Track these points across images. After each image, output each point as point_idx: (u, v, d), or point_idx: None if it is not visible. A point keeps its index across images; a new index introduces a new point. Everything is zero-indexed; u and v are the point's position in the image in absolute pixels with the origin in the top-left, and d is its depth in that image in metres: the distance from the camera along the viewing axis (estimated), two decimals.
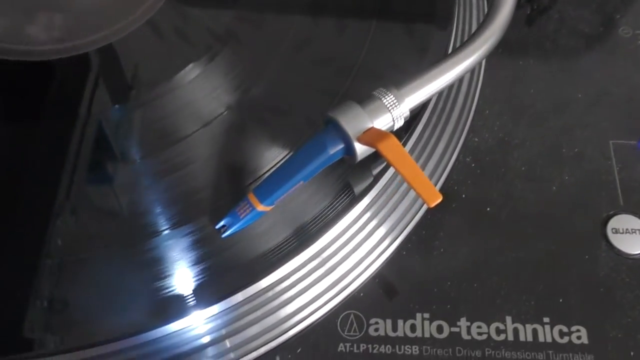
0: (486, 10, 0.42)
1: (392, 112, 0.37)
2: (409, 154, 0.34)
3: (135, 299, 0.37)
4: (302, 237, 0.38)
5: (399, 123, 0.38)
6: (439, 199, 0.33)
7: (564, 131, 0.46)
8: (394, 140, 0.34)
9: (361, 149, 0.37)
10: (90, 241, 0.39)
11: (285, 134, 0.41)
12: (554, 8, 0.52)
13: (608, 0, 0.52)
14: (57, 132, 0.44)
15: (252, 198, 0.37)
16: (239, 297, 0.38)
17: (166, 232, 0.39)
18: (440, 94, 0.41)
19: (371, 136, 0.36)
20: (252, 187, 0.38)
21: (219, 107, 0.43)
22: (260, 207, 0.37)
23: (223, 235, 0.37)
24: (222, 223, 0.37)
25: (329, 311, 0.40)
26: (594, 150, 0.45)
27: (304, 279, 0.39)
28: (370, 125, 0.36)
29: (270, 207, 0.37)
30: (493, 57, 0.43)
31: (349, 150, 0.37)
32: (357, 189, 0.40)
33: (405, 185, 0.42)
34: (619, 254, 0.41)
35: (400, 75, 0.39)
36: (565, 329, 0.39)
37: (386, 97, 0.37)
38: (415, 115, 0.41)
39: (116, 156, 0.43)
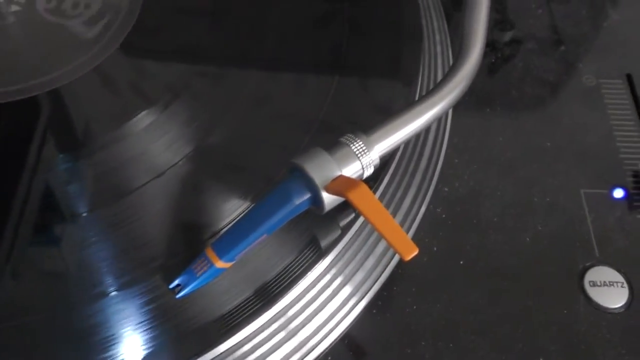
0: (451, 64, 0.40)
1: (362, 159, 0.35)
2: (381, 204, 0.32)
3: None
4: (264, 297, 0.35)
5: (369, 171, 0.36)
6: (415, 252, 0.31)
7: (535, 180, 0.45)
8: (364, 188, 0.32)
9: (329, 199, 0.34)
10: (29, 305, 0.35)
11: (244, 186, 0.38)
12: (518, 57, 0.51)
13: (570, 49, 0.51)
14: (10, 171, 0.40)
15: (210, 254, 0.34)
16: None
17: (113, 293, 0.35)
18: (407, 142, 0.39)
19: (340, 185, 0.33)
20: (210, 242, 0.35)
21: (174, 157, 0.40)
22: (220, 264, 0.33)
23: (177, 296, 0.34)
24: (176, 282, 0.34)
25: None
26: (565, 199, 0.44)
27: (265, 342, 0.36)
28: (338, 174, 0.34)
29: (230, 264, 0.34)
30: (460, 105, 0.41)
31: (316, 200, 0.34)
32: (323, 243, 0.37)
33: (373, 237, 0.39)
34: (598, 308, 0.39)
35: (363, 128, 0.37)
36: None
37: (355, 143, 0.35)
38: (383, 164, 0.39)
39: (61, 209, 0.39)
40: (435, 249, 0.41)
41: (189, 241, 0.37)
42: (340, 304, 0.38)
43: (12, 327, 0.35)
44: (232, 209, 0.37)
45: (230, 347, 0.35)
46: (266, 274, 0.36)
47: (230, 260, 0.34)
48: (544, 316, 0.39)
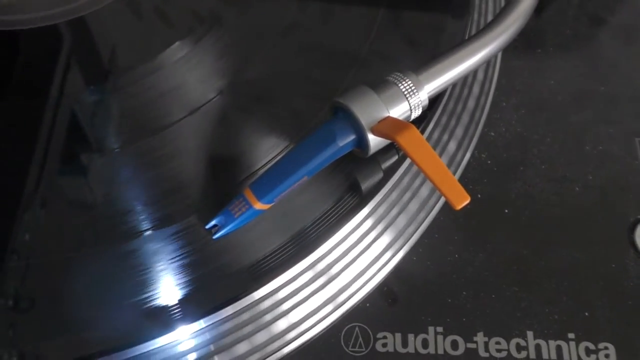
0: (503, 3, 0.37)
1: (410, 100, 0.33)
2: (432, 148, 0.30)
3: (111, 310, 0.32)
4: (301, 243, 0.34)
5: (416, 113, 0.33)
6: (467, 200, 0.29)
7: (587, 127, 0.42)
8: (415, 131, 0.30)
9: (375, 141, 0.32)
10: (59, 241, 0.34)
11: (285, 124, 0.37)
12: None
13: None
14: (23, 116, 0.39)
15: (249, 195, 0.32)
16: (229, 310, 0.33)
17: (147, 233, 0.34)
18: (454, 83, 0.36)
19: (388, 126, 0.31)
20: (249, 183, 0.33)
21: (210, 92, 0.38)
22: (258, 205, 0.32)
23: (215, 237, 0.32)
24: (213, 222, 0.33)
25: (331, 324, 0.35)
26: (619, 148, 0.41)
27: (302, 289, 0.34)
28: (386, 115, 0.32)
29: (269, 206, 0.32)
30: (509, 45, 0.39)
31: (361, 142, 0.32)
32: (365, 188, 0.35)
33: (416, 183, 0.37)
34: None
35: (413, 62, 0.35)
36: (592, 346, 0.35)
37: (403, 82, 0.33)
38: (429, 106, 0.37)
39: (91, 145, 0.38)
40: (479, 195, 0.40)
41: (225, 182, 0.35)
42: (381, 252, 0.36)
43: (46, 263, 0.34)
44: (269, 150, 0.36)
45: (267, 294, 0.33)
46: (304, 220, 0.34)
47: (269, 202, 0.32)
48: (591, 270, 0.37)
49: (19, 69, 0.41)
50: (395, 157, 0.36)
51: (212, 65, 0.40)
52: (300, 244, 0.33)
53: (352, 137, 0.32)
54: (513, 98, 0.43)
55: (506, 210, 0.39)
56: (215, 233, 0.32)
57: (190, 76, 0.39)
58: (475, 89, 0.41)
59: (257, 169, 0.35)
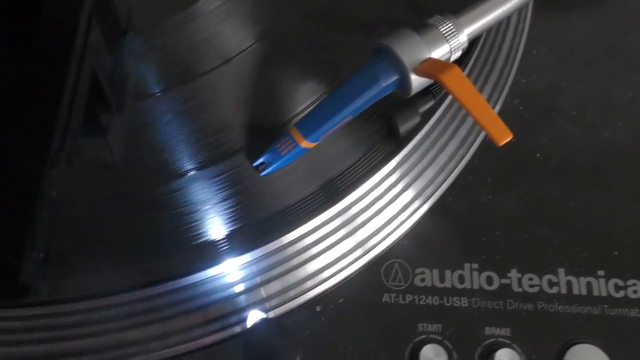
0: None
1: (450, 42, 0.34)
2: (475, 87, 0.31)
3: (163, 244, 0.34)
4: (347, 179, 0.35)
5: (456, 55, 0.35)
6: (509, 137, 0.30)
7: (616, 75, 0.43)
8: (458, 71, 0.31)
9: (417, 82, 0.33)
10: (106, 183, 0.36)
11: (326, 68, 0.38)
12: None
13: None
14: (60, 59, 0.39)
15: (296, 133, 0.33)
16: (276, 244, 0.34)
17: (191, 173, 0.35)
18: (491, 27, 0.37)
19: (430, 67, 0.32)
20: (292, 123, 0.34)
21: (248, 38, 0.39)
22: (304, 144, 0.33)
23: (262, 173, 0.34)
24: (261, 160, 0.34)
25: (371, 260, 0.37)
26: None
27: (346, 225, 0.36)
28: (427, 56, 0.33)
29: (314, 144, 0.34)
30: None
31: (403, 82, 0.33)
32: (405, 129, 0.36)
33: (453, 125, 0.39)
34: None
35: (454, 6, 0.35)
36: (620, 283, 0.37)
37: (443, 25, 0.34)
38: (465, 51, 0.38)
39: (133, 87, 0.39)
40: (512, 139, 0.41)
41: (269, 122, 0.37)
42: (419, 191, 0.38)
43: (93, 202, 0.35)
44: (310, 92, 0.37)
45: (312, 229, 0.35)
46: (350, 157, 0.35)
47: (315, 141, 0.34)
48: (620, 212, 0.39)
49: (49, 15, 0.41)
50: (431, 103, 0.37)
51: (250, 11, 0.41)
52: (346, 181, 0.35)
53: (395, 77, 0.33)
54: (544, 46, 0.44)
55: (537, 155, 0.40)
56: (263, 170, 0.34)
57: (232, 21, 0.40)
58: (508, 36, 0.42)
59: (299, 111, 0.36)
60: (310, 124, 0.33)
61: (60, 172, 0.35)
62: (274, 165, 0.34)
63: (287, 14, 0.40)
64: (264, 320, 0.28)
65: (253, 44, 0.39)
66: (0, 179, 0.35)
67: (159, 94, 0.38)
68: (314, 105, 0.35)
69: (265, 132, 0.36)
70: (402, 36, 0.33)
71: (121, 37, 0.41)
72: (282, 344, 0.28)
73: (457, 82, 0.31)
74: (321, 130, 0.33)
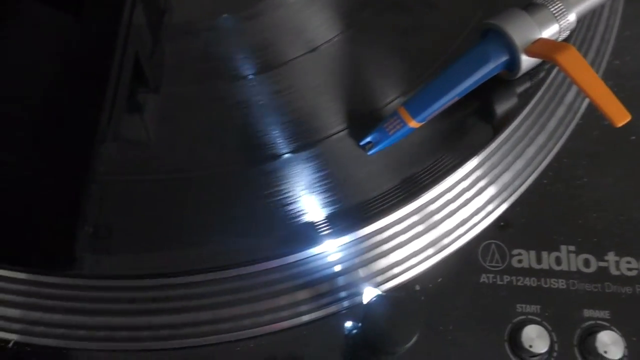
0: None
1: (560, 21, 0.33)
2: (591, 67, 0.31)
3: (266, 223, 0.34)
4: (448, 161, 0.35)
5: (564, 35, 0.34)
6: (628, 118, 0.30)
7: None
8: (574, 51, 0.31)
9: (526, 63, 0.33)
10: (205, 162, 0.36)
11: (424, 50, 0.38)
12: None
13: None
14: (107, 37, 0.39)
15: (404, 113, 0.33)
16: (374, 227, 0.35)
17: (286, 156, 0.35)
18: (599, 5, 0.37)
19: (543, 47, 0.32)
20: (395, 105, 0.34)
21: (353, 20, 0.39)
22: (412, 123, 0.33)
23: (369, 152, 0.34)
24: (368, 139, 0.34)
25: (468, 241, 0.37)
26: None
27: (447, 206, 0.36)
28: (538, 36, 0.33)
29: (421, 124, 0.34)
30: None
31: (512, 63, 0.33)
32: (505, 109, 0.36)
33: (550, 107, 0.38)
34: None
35: None
36: None
37: (553, 4, 0.34)
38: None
39: (226, 69, 0.39)
40: (605, 123, 0.40)
41: (368, 105, 0.37)
42: (516, 173, 0.38)
43: (192, 179, 0.36)
44: (417, 73, 0.37)
45: (412, 211, 0.35)
46: (451, 140, 0.35)
47: (422, 121, 0.34)
48: None
49: None
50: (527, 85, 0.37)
51: None
52: (448, 163, 0.35)
53: (504, 57, 0.33)
54: (638, 28, 0.43)
55: (633, 137, 0.40)
56: (370, 149, 0.34)
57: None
58: (604, 16, 0.41)
59: (396, 96, 0.36)
60: (418, 104, 0.33)
61: (108, 148, 0.36)
62: (382, 144, 0.34)
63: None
64: (381, 297, 0.29)
65: (339, 33, 0.39)
66: (51, 154, 0.36)
67: (252, 76, 0.39)
68: (422, 86, 0.35)
69: (360, 117, 0.36)
70: (513, 16, 0.33)
71: (161, 16, 0.41)
72: (402, 320, 0.28)
73: (574, 63, 0.30)
74: (429, 111, 0.33)
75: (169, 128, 0.38)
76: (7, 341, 0.31)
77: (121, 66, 0.39)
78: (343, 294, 0.35)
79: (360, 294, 0.34)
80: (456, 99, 0.34)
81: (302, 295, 0.34)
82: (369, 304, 0.29)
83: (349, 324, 0.34)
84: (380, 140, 0.34)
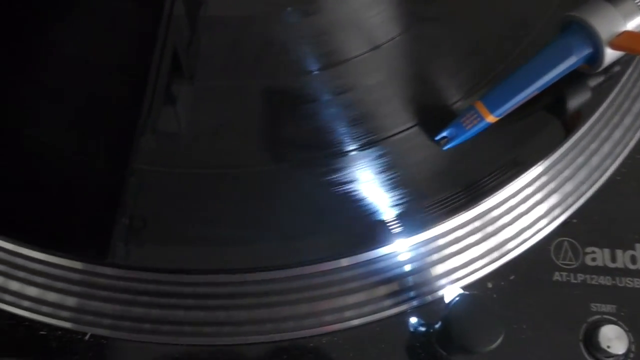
0: None
1: None
2: None
3: (349, 220, 0.34)
4: (518, 162, 0.34)
5: None
6: None
7: None
8: None
9: (610, 56, 0.32)
10: (267, 155, 0.36)
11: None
12: None
13: None
14: (148, 28, 0.39)
15: (481, 107, 0.33)
16: (450, 224, 0.34)
17: (353, 153, 0.35)
18: None
19: (629, 40, 0.31)
20: (479, 97, 0.34)
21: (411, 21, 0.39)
22: (490, 118, 0.33)
23: (444, 148, 0.34)
24: (443, 134, 0.33)
25: (542, 239, 0.36)
26: None
27: (519, 205, 0.35)
28: (623, 29, 0.32)
29: (498, 119, 0.33)
30: None
31: (595, 56, 0.32)
32: (582, 103, 0.36)
33: (627, 102, 0.37)
34: None
35: None
36: None
37: None
38: None
39: (292, 62, 0.39)
40: None
41: (427, 107, 0.36)
42: (589, 172, 0.37)
43: (261, 174, 0.35)
44: (489, 67, 0.36)
45: (484, 211, 0.34)
46: (521, 141, 0.35)
47: (500, 115, 0.33)
48: None
49: None
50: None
51: None
52: (517, 163, 0.34)
53: (588, 51, 0.32)
54: None
55: None
56: (445, 144, 0.33)
57: None
58: None
59: (459, 98, 0.36)
60: (497, 99, 0.33)
61: (147, 140, 0.36)
62: (458, 140, 0.33)
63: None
64: (465, 296, 0.28)
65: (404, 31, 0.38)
66: (92, 146, 0.36)
67: (316, 72, 0.38)
68: (500, 79, 0.34)
69: (427, 115, 0.35)
70: (596, 8, 0.32)
71: (197, 8, 0.41)
72: (488, 320, 0.28)
73: None
74: (507, 105, 0.33)
75: (230, 122, 0.37)
76: (84, 333, 0.31)
77: (161, 58, 0.38)
78: (412, 293, 0.35)
79: (430, 292, 0.34)
80: (535, 93, 0.33)
81: (374, 292, 0.34)
82: (452, 302, 0.28)
83: (418, 321, 0.34)
84: (456, 135, 0.33)
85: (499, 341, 0.28)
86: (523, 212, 0.36)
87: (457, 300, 0.28)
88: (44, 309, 0.33)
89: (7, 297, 0.33)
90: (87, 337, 0.31)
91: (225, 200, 0.35)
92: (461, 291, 0.30)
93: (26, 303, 0.32)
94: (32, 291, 0.32)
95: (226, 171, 0.36)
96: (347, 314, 0.33)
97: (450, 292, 0.31)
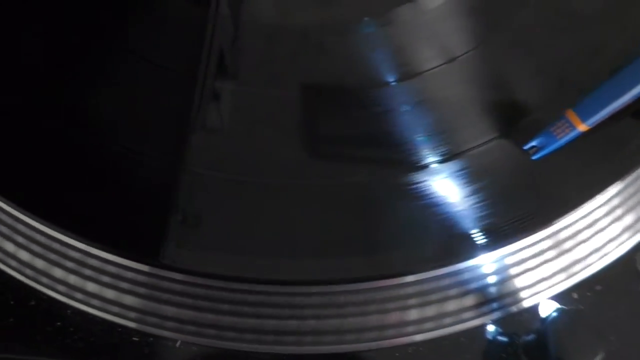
0: None
1: None
2: None
3: (433, 233, 0.34)
4: (603, 174, 0.34)
5: None
6: None
7: None
8: None
9: None
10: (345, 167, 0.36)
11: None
12: None
13: None
14: (196, 27, 0.39)
15: (573, 117, 0.32)
16: (536, 237, 0.34)
17: (434, 165, 0.35)
18: None
19: None
20: (571, 107, 0.33)
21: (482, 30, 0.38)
22: (581, 127, 0.32)
23: (534, 157, 0.33)
24: (533, 143, 0.33)
25: (627, 251, 0.35)
26: None
27: (603, 218, 0.35)
28: None
29: (590, 128, 0.33)
30: None
31: None
32: None
33: None
34: None
35: None
36: None
37: None
38: None
39: (368, 75, 0.38)
40: None
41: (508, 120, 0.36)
42: None
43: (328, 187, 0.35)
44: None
45: (570, 224, 0.34)
46: (612, 149, 0.34)
47: (592, 125, 0.32)
48: None
49: None
50: None
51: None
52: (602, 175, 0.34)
53: None
54: None
55: None
56: (535, 154, 0.33)
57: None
58: None
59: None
60: (589, 108, 0.32)
61: (198, 138, 0.36)
62: (548, 149, 0.33)
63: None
64: (563, 311, 0.28)
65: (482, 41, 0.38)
66: (144, 143, 0.36)
67: (394, 83, 0.38)
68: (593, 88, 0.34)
69: (506, 128, 0.35)
70: None
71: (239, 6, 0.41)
72: (587, 337, 0.27)
73: None
74: (600, 114, 0.32)
75: (304, 134, 0.37)
76: (175, 340, 0.31)
77: (209, 57, 0.38)
78: (496, 304, 0.34)
79: (514, 303, 0.34)
80: (629, 101, 0.32)
81: (459, 303, 0.34)
82: (550, 316, 0.28)
83: (503, 332, 0.33)
84: (546, 144, 0.33)
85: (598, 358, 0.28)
86: (606, 225, 0.35)
87: (554, 315, 0.28)
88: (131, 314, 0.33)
89: (95, 302, 0.34)
90: (178, 344, 0.31)
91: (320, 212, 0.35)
92: (558, 305, 0.30)
93: (115, 309, 0.33)
94: (128, 299, 0.32)
95: (305, 182, 0.36)
96: (432, 324, 0.33)
97: (546, 306, 0.31)
